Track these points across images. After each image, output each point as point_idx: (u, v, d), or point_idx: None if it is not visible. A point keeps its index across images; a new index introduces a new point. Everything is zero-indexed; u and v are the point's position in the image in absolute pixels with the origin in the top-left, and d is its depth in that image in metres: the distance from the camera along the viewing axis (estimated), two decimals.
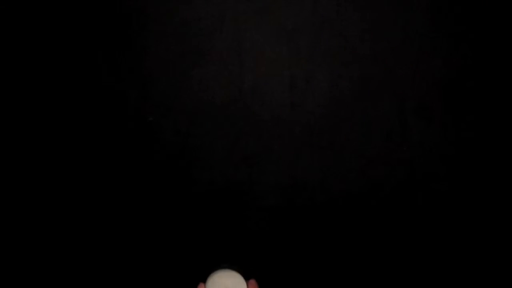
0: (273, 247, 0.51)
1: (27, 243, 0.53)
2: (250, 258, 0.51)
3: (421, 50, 0.51)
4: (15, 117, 0.52)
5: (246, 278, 0.39)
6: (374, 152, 0.52)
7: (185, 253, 0.53)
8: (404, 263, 0.53)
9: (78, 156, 0.52)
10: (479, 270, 0.52)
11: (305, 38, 0.51)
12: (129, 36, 0.51)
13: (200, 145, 0.52)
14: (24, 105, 0.52)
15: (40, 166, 0.52)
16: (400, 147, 0.52)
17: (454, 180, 0.52)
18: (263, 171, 0.52)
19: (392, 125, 0.51)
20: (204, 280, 0.39)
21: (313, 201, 0.51)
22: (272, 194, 0.51)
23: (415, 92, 0.51)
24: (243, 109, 0.51)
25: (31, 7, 0.51)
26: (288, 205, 0.51)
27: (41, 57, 0.52)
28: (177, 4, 0.51)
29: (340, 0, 0.51)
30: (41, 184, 0.52)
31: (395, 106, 0.51)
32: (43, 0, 0.51)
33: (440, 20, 0.51)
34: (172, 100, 0.52)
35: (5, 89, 0.52)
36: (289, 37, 0.51)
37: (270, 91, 0.51)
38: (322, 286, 0.53)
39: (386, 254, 0.53)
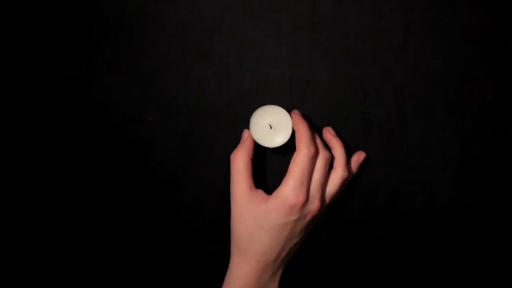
0: None
1: (16, 247, 0.53)
2: None
3: (421, 50, 0.51)
4: (13, 117, 0.52)
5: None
6: (374, 152, 0.52)
7: (184, 254, 0.53)
8: (404, 263, 0.53)
9: (77, 157, 0.52)
10: (479, 270, 0.53)
11: (305, 38, 0.51)
12: (129, 36, 0.51)
13: (200, 145, 0.52)
14: (21, 105, 0.52)
15: (38, 166, 0.52)
16: (400, 147, 0.52)
17: (454, 181, 0.52)
18: (262, 171, 0.52)
19: (392, 125, 0.51)
20: None
21: None
22: None
23: (415, 92, 0.51)
24: (243, 109, 0.51)
25: (29, 7, 0.51)
26: None
27: (39, 57, 0.52)
28: (177, 4, 0.51)
29: (340, 0, 0.51)
30: (39, 184, 0.53)
31: (395, 106, 0.51)
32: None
33: (440, 20, 0.51)
34: (172, 100, 0.52)
35: (2, 92, 0.52)
36: (289, 37, 0.51)
37: (270, 91, 0.51)
38: (320, 286, 0.53)
39: (385, 254, 0.53)
